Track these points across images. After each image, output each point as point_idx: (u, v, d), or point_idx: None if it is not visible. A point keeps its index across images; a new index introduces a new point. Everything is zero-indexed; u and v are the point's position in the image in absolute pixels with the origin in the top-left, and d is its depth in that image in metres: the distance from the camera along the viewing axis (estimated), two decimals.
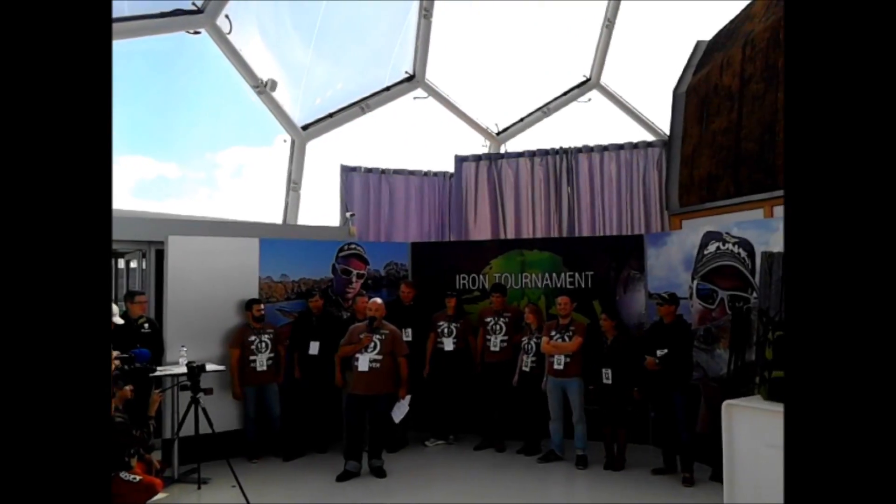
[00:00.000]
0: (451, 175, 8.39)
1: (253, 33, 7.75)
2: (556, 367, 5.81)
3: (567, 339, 5.82)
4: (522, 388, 6.18)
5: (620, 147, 7.82)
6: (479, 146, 9.02)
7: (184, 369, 5.20)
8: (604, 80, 9.19)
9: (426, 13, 8.13)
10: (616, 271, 6.71)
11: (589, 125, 9.31)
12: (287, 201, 7.96)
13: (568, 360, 5.78)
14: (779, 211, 5.97)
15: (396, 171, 8.35)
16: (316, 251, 6.83)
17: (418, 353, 6.44)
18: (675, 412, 5.35)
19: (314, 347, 6.17)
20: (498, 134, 9.10)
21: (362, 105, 8.29)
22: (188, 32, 7.26)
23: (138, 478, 4.22)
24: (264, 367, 6.05)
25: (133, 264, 6.95)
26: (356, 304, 6.41)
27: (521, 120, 9.21)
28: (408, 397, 5.76)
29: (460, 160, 8.28)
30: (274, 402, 6.10)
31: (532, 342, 6.11)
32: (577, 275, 6.84)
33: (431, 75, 8.57)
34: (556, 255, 6.95)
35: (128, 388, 4.35)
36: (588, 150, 7.91)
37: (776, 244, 5.20)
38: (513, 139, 9.15)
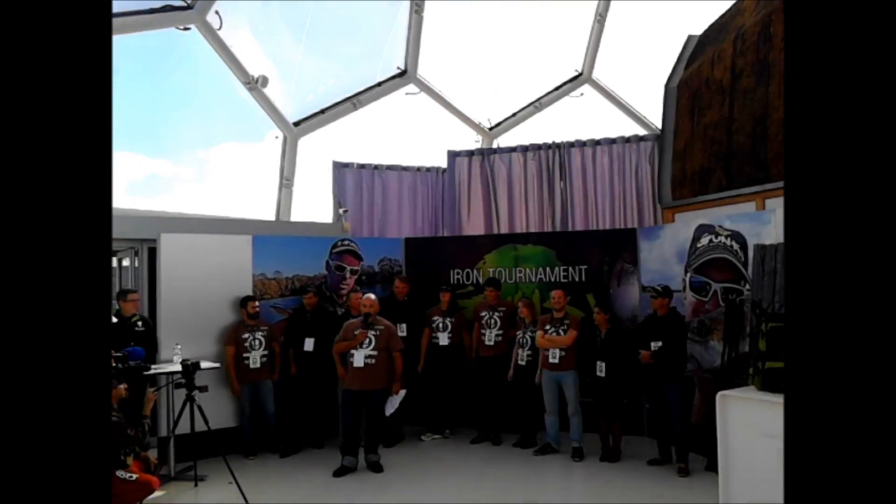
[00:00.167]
0: (444, 170, 8.39)
1: (243, 29, 7.71)
2: (551, 360, 5.84)
3: (562, 332, 5.85)
4: (518, 381, 6.20)
5: (613, 141, 7.85)
6: (472, 141, 9.02)
7: (178, 367, 5.18)
8: (596, 74, 9.20)
9: (417, 8, 8.11)
10: (609, 265, 6.74)
11: (581, 120, 9.34)
12: (280, 198, 7.94)
13: (563, 353, 5.81)
14: (770, 203, 6.01)
15: (389, 167, 8.34)
16: (309, 248, 6.82)
17: (413, 348, 6.45)
18: (669, 404, 5.39)
19: (309, 344, 6.16)
20: (490, 129, 9.10)
21: (354, 101, 8.27)
22: (178, 29, 7.21)
23: (135, 476, 4.21)
24: (258, 365, 6.04)
25: (125, 262, 6.91)
26: (350, 301, 6.40)
27: (514, 115, 9.22)
28: (402, 392, 5.78)
29: (453, 155, 8.28)
30: (268, 400, 6.10)
31: (527, 336, 6.13)
32: (570, 269, 6.86)
33: (423, 71, 8.56)
34: (550, 249, 6.97)
35: (122, 386, 4.34)
36: (580, 144, 7.93)
37: (768, 237, 5.24)
38: (505, 134, 9.16)
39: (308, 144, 8.12)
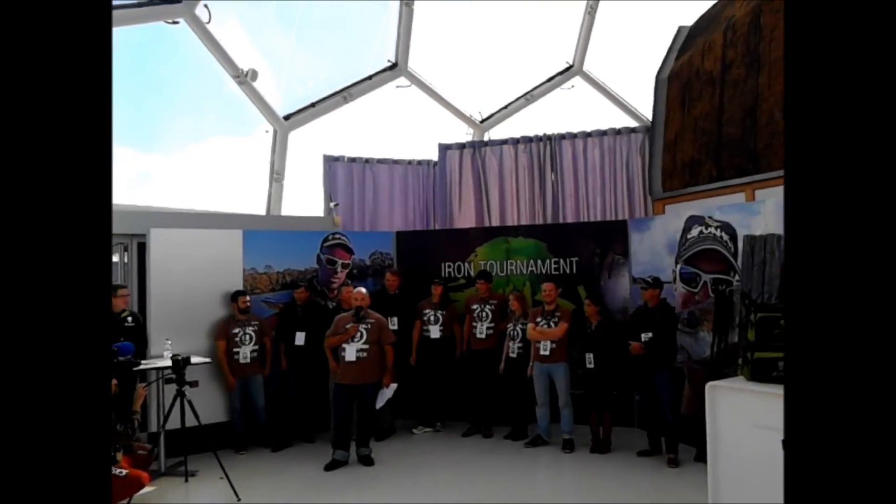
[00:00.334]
0: (435, 163, 8.37)
1: (233, 23, 7.67)
2: (542, 352, 5.85)
3: (553, 325, 5.86)
4: (509, 374, 6.21)
5: (604, 133, 7.84)
6: (463, 134, 9.00)
7: (168, 362, 5.17)
8: (587, 66, 9.18)
9: (408, 1, 8.07)
10: (600, 257, 6.74)
11: (572, 112, 9.32)
12: (270, 192, 7.92)
13: (554, 345, 5.82)
14: (760, 194, 6.01)
15: (380, 161, 8.31)
16: (300, 242, 6.80)
17: (404, 341, 6.45)
18: (659, 395, 5.40)
19: (300, 338, 6.16)
20: (481, 122, 9.08)
21: (345, 94, 8.23)
22: (166, 22, 7.16)
23: (125, 472, 4.21)
24: (248, 360, 6.03)
25: (115, 258, 6.87)
26: (341, 294, 6.39)
27: (505, 107, 9.20)
28: (394, 385, 5.78)
29: (444, 148, 8.26)
30: (258, 395, 6.09)
31: (517, 328, 6.14)
32: (561, 261, 6.86)
33: (414, 64, 8.52)
34: (541, 241, 6.97)
35: (112, 382, 4.32)
36: (571, 136, 7.92)
37: (758, 227, 5.25)
38: (496, 127, 9.14)
39: (298, 138, 8.10)
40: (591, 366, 5.69)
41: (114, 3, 6.53)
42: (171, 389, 5.14)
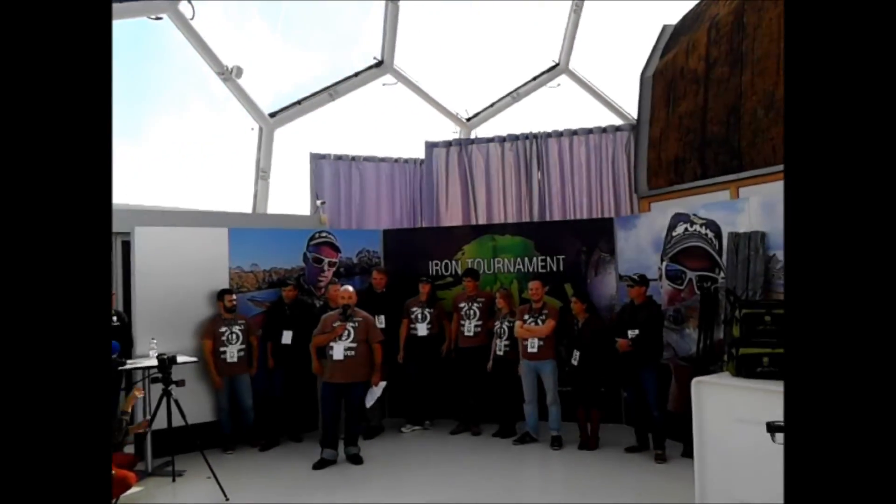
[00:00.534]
0: (422, 161, 8.37)
1: (217, 19, 7.61)
2: (529, 350, 5.87)
3: (540, 322, 5.88)
4: (496, 372, 6.23)
5: (590, 131, 7.88)
6: (450, 132, 9.00)
7: (154, 362, 5.13)
8: (572, 65, 9.21)
9: None
10: (587, 254, 6.78)
11: (558, 110, 9.36)
12: (256, 190, 7.87)
13: (541, 343, 5.84)
14: (744, 192, 6.08)
15: (367, 158, 8.29)
16: (287, 240, 6.77)
17: (392, 340, 6.44)
18: (646, 391, 5.45)
19: (287, 337, 6.13)
20: (468, 120, 9.08)
21: (331, 91, 8.20)
22: (150, 18, 7.09)
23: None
24: (235, 359, 6.00)
25: None
26: (328, 293, 6.38)
27: (491, 105, 9.20)
28: (382, 384, 5.77)
29: (431, 146, 8.25)
30: (245, 394, 6.05)
31: (504, 326, 6.16)
32: (548, 259, 6.89)
33: (400, 61, 8.51)
34: (528, 239, 6.99)
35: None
36: (558, 134, 7.95)
37: (742, 225, 5.31)
38: (483, 125, 9.14)
39: (284, 136, 8.06)
40: (578, 363, 5.73)
41: None
42: (157, 389, 5.10)
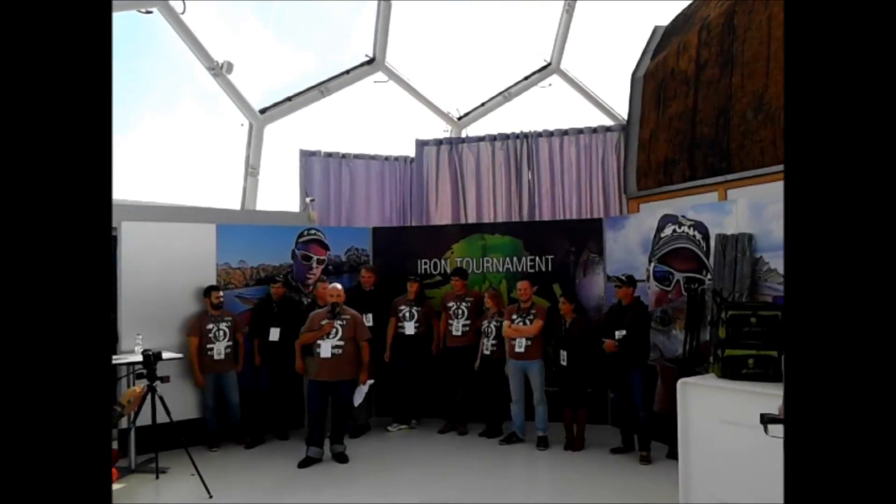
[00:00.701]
0: (412, 160, 8.35)
1: (208, 14, 7.55)
2: (517, 349, 5.87)
3: (528, 322, 5.88)
4: (484, 371, 6.23)
5: (580, 132, 7.88)
6: (441, 131, 8.98)
7: (139, 357, 5.09)
8: (564, 65, 9.22)
9: None
10: (576, 255, 6.79)
11: (549, 110, 9.36)
12: (245, 186, 7.82)
13: (529, 342, 5.84)
14: (732, 194, 6.09)
15: (357, 156, 8.27)
16: (275, 237, 6.74)
17: (380, 338, 6.43)
18: (632, 392, 5.46)
19: (274, 334, 6.11)
20: (459, 119, 9.07)
21: (321, 88, 8.16)
22: (140, 12, 7.04)
23: None
24: (222, 356, 5.97)
25: None
26: (317, 290, 6.35)
27: (482, 105, 9.20)
28: (369, 382, 5.76)
29: (421, 144, 8.24)
30: (232, 391, 6.03)
31: (492, 326, 6.16)
32: (537, 258, 6.89)
33: (392, 59, 8.48)
34: (517, 239, 6.99)
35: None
36: (548, 134, 7.96)
37: (730, 226, 5.33)
38: (474, 124, 9.13)
39: (274, 132, 8.01)
40: (566, 363, 5.73)
41: None
42: (141, 385, 5.05)
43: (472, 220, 7.99)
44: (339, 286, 5.72)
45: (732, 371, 4.39)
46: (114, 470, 4.33)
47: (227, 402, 6.01)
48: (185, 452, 4.96)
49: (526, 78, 9.22)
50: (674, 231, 5.85)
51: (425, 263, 7.19)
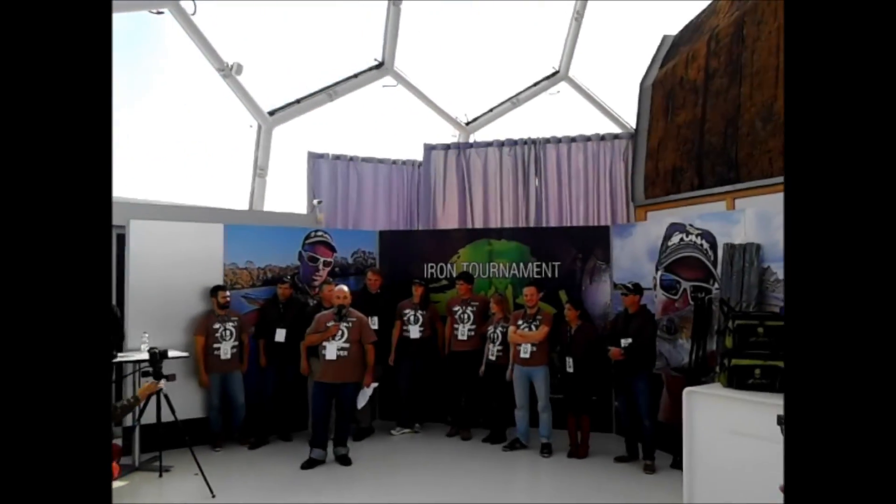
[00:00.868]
0: (420, 164, 8.37)
1: (218, 15, 7.59)
2: (522, 355, 5.86)
3: (534, 328, 5.87)
4: (488, 377, 6.22)
5: (588, 139, 7.89)
6: (449, 136, 9.00)
7: (145, 355, 5.10)
8: (572, 72, 9.24)
9: (395, 0, 8.06)
10: (582, 261, 6.78)
11: (557, 117, 9.37)
12: (253, 187, 7.85)
13: (534, 348, 5.83)
14: (740, 203, 6.10)
15: (365, 159, 8.29)
16: (282, 238, 6.76)
17: (385, 341, 6.43)
18: (637, 401, 5.44)
19: (280, 335, 6.11)
20: (467, 124, 9.09)
21: (330, 91, 8.19)
22: (151, 12, 7.09)
23: None
24: (228, 356, 5.97)
25: None
26: (323, 292, 6.36)
27: (491, 110, 9.22)
28: (374, 385, 5.75)
29: (429, 149, 8.26)
30: (237, 391, 6.03)
31: (498, 331, 6.15)
32: (543, 265, 6.89)
33: (401, 63, 8.52)
34: (524, 244, 6.99)
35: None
36: (556, 141, 7.97)
37: (737, 236, 5.32)
38: (482, 129, 9.16)
39: (283, 134, 8.04)
40: (571, 370, 5.72)
41: None
42: (147, 383, 5.06)
43: (478, 224, 8.00)
44: (345, 288, 5.72)
45: (739, 380, 4.38)
46: (115, 466, 4.35)
47: (232, 402, 6.02)
48: (190, 451, 4.96)
49: (534, 85, 9.24)
50: (681, 240, 5.85)
51: (431, 267, 7.20)
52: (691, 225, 5.77)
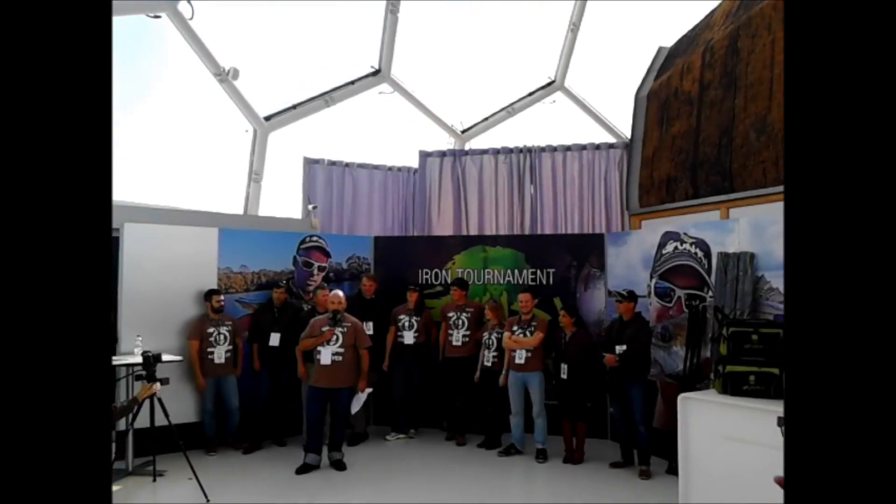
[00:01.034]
0: (416, 170, 8.39)
1: (215, 20, 7.60)
2: (517, 361, 5.87)
3: (529, 334, 5.89)
4: (484, 383, 6.23)
5: (583, 147, 7.94)
6: (444, 143, 9.03)
7: (139, 359, 5.07)
8: (568, 82, 9.31)
9: (393, 8, 8.10)
10: (577, 269, 6.82)
11: (553, 126, 9.42)
12: (248, 192, 7.83)
13: (529, 354, 5.85)
14: (734, 213, 6.16)
15: (360, 165, 8.30)
16: (277, 243, 6.75)
17: (380, 347, 6.42)
18: (632, 407, 5.46)
19: (275, 339, 6.10)
20: (463, 132, 9.12)
21: (326, 98, 8.20)
22: (148, 16, 7.08)
23: None
24: (222, 360, 5.95)
25: None
26: (317, 297, 6.35)
27: (486, 119, 9.26)
28: (368, 390, 5.74)
29: (425, 156, 8.29)
30: (232, 395, 6.00)
31: (493, 337, 6.16)
32: (538, 272, 6.92)
33: (397, 71, 8.55)
34: (519, 251, 7.02)
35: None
36: (551, 149, 8.01)
37: (731, 245, 5.37)
38: (477, 137, 9.19)
39: (279, 139, 8.04)
40: (565, 377, 5.74)
41: None
42: (140, 387, 5.03)
43: (473, 231, 8.02)
44: (340, 293, 5.72)
45: (733, 387, 4.41)
46: None
47: (227, 406, 5.99)
48: (184, 456, 4.93)
49: (530, 94, 9.29)
50: (675, 248, 5.90)
51: (426, 273, 7.21)
52: (686, 233, 5.82)
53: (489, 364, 6.16)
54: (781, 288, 4.93)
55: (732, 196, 6.27)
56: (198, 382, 5.88)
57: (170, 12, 7.02)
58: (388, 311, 6.66)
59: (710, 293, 5.50)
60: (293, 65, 8.67)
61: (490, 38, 9.58)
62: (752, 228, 5.24)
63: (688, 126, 6.90)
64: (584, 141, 7.99)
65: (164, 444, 5.23)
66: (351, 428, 6.21)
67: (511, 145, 8.12)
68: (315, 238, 7.03)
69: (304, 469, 5.43)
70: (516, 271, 6.98)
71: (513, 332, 5.95)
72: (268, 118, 7.92)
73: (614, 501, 4.91)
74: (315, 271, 6.93)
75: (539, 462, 5.80)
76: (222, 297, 6.08)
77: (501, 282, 7.02)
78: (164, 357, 5.22)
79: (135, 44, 7.71)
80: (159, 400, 4.92)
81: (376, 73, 8.48)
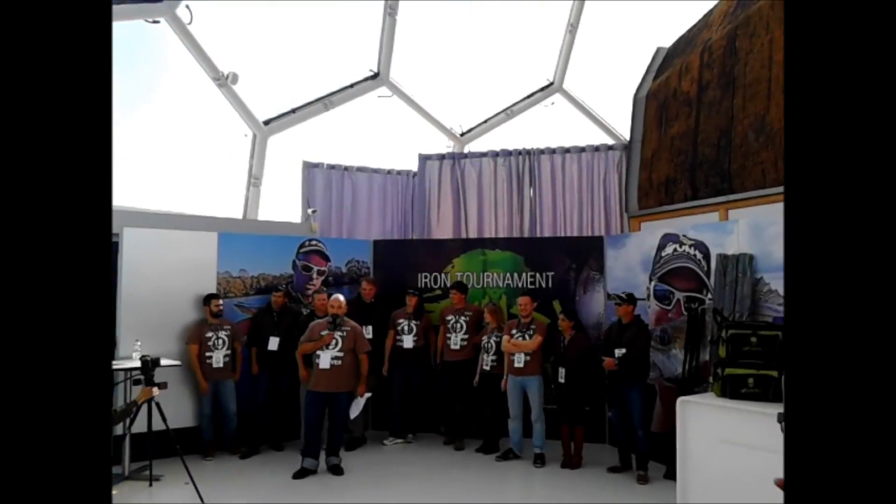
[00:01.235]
0: (415, 173, 8.39)
1: (214, 24, 7.61)
2: (516, 365, 5.85)
3: (528, 337, 5.87)
4: (482, 387, 6.20)
5: (582, 149, 7.93)
6: (443, 146, 9.03)
7: (137, 363, 5.06)
8: (566, 84, 9.30)
9: (391, 11, 8.11)
10: (576, 272, 6.80)
11: (551, 128, 9.41)
12: (247, 196, 7.84)
13: (528, 358, 5.82)
14: (733, 214, 6.13)
15: (359, 169, 8.31)
16: (276, 247, 6.75)
17: (378, 351, 6.41)
18: (631, 411, 5.43)
19: (273, 343, 6.09)
20: (462, 135, 9.12)
21: (325, 101, 8.21)
22: (147, 21, 7.09)
23: None
24: (220, 364, 5.95)
25: None
26: (316, 301, 6.34)
27: (485, 121, 9.26)
28: (367, 394, 5.73)
29: (424, 159, 8.28)
30: (230, 400, 6.00)
31: (492, 341, 6.14)
32: (537, 275, 6.90)
33: (396, 74, 8.55)
34: (518, 254, 7.00)
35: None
36: (550, 152, 8.00)
37: (730, 247, 5.34)
38: (476, 140, 9.19)
39: (278, 143, 8.04)
40: (564, 381, 5.71)
41: None
42: (138, 391, 5.02)
43: (472, 234, 8.01)
44: (340, 297, 5.70)
45: (732, 390, 4.39)
46: None
47: (224, 410, 5.98)
48: (181, 460, 4.91)
49: (529, 96, 9.29)
50: (674, 250, 5.87)
51: (426, 277, 7.19)
52: (685, 235, 5.80)
53: (488, 368, 6.14)
54: (780, 290, 4.90)
55: (731, 197, 6.25)
56: (201, 386, 5.87)
57: (168, 17, 7.04)
58: (388, 314, 6.65)
59: (709, 295, 5.47)
60: (292, 69, 8.69)
61: (488, 41, 9.59)
62: (751, 230, 5.21)
63: (686, 127, 6.88)
64: (582, 143, 7.98)
65: (162, 448, 5.22)
66: (349, 432, 6.19)
67: (510, 148, 8.12)
68: (314, 242, 7.03)
69: (301, 474, 5.42)
70: (515, 274, 6.96)
71: (512, 336, 5.93)
72: (267, 122, 7.93)
73: None
74: (314, 275, 6.93)
75: (537, 466, 5.77)
76: (221, 302, 6.07)
77: (500, 285, 7.01)
78: (163, 361, 5.22)
79: (134, 49, 7.72)
80: (157, 404, 4.91)
81: (375, 76, 8.49)
